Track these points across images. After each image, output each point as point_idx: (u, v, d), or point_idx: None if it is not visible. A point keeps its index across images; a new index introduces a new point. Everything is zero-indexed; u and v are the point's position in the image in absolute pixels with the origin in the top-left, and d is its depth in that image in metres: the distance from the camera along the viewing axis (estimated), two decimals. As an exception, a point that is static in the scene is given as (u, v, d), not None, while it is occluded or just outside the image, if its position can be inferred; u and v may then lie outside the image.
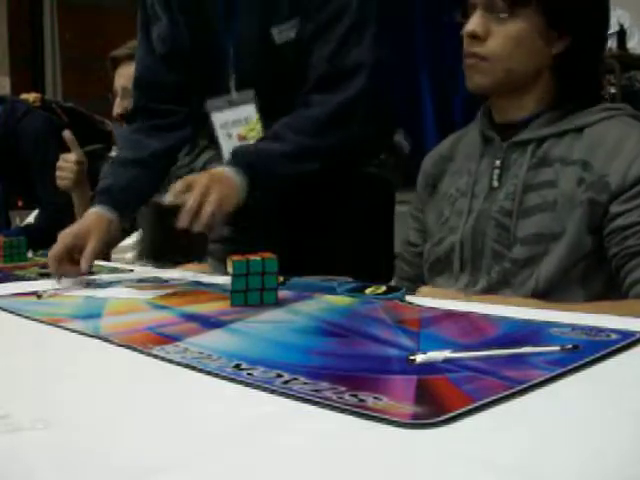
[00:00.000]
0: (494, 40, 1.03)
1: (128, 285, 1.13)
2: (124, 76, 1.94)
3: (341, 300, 0.91)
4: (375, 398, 0.51)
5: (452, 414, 0.47)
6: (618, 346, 0.62)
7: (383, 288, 0.93)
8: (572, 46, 1.04)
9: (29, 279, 1.30)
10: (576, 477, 0.39)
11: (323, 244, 1.33)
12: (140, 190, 1.41)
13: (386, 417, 0.47)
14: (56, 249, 1.21)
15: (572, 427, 0.46)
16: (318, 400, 0.51)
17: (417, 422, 0.46)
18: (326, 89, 1.27)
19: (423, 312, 0.82)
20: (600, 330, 0.67)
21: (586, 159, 1.01)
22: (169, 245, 1.59)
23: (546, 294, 1.00)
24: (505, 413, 0.48)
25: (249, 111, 1.35)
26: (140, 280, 1.17)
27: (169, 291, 1.05)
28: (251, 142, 1.31)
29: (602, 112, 1.05)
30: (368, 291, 0.92)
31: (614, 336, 0.65)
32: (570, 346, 0.61)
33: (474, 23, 1.03)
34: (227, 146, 1.35)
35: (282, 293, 0.96)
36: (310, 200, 1.35)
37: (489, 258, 1.06)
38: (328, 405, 0.50)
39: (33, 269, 1.43)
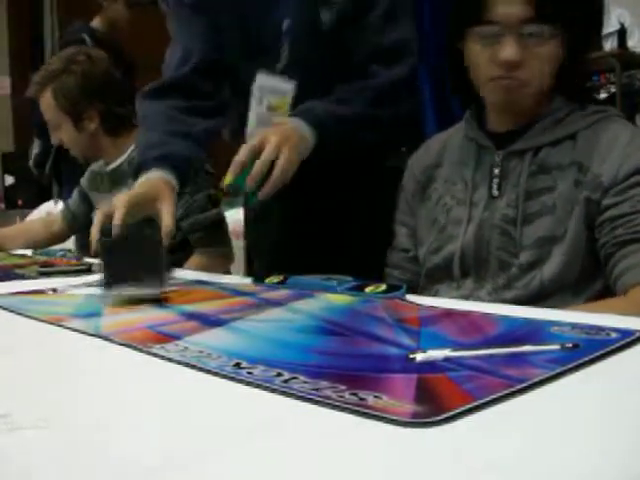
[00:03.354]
0: (532, 65, 1.02)
1: None
2: (43, 109, 1.91)
3: (341, 298, 0.91)
4: (375, 397, 0.51)
5: (452, 412, 0.47)
6: (618, 345, 0.61)
7: (383, 286, 0.93)
8: (568, 51, 1.05)
9: (29, 278, 1.31)
10: (576, 476, 0.39)
11: (343, 237, 1.32)
12: (194, 166, 1.33)
13: (386, 416, 0.47)
14: (121, 202, 1.08)
15: (572, 426, 0.46)
16: (318, 399, 0.51)
17: (417, 421, 0.46)
18: (381, 62, 1.26)
19: (423, 310, 0.82)
20: (600, 329, 0.67)
21: (581, 162, 1.03)
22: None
23: (547, 297, 1.01)
24: (505, 412, 0.48)
25: (288, 88, 1.30)
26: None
27: (169, 289, 1.05)
28: (284, 113, 1.26)
29: (592, 115, 1.07)
30: (368, 289, 0.92)
31: (614, 335, 0.65)
32: (570, 345, 0.61)
33: (512, 52, 1.00)
34: (254, 109, 1.30)
35: (282, 292, 0.96)
36: (331, 193, 1.34)
37: (495, 266, 1.07)
38: (328, 404, 0.50)
39: (33, 268, 1.43)
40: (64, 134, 1.89)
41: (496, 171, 1.09)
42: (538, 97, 1.07)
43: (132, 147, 1.87)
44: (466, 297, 1.08)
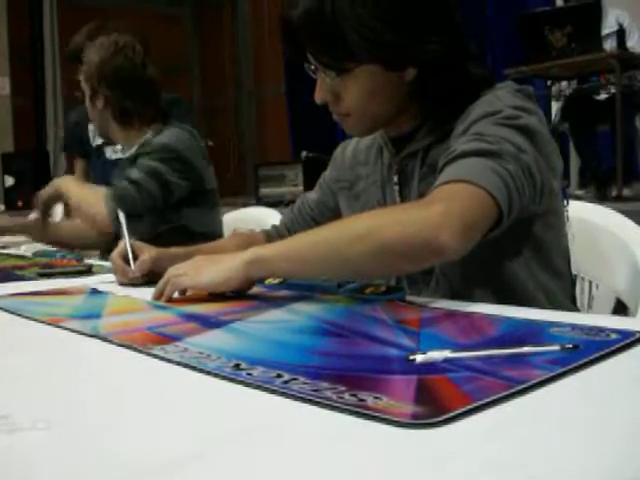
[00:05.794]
0: (347, 98, 1.03)
1: (128, 284, 1.13)
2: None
3: (341, 300, 0.91)
4: (375, 398, 0.51)
5: (452, 414, 0.47)
6: (618, 346, 0.62)
7: (383, 288, 0.93)
8: (421, 68, 1.02)
9: (29, 279, 1.31)
10: (576, 477, 0.39)
11: None
12: None
13: (386, 417, 0.47)
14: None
15: (572, 427, 0.46)
16: (318, 400, 0.51)
17: (417, 422, 0.46)
18: None
19: (423, 312, 0.82)
20: (600, 330, 0.67)
21: None
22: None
23: (460, 291, 1.01)
24: (505, 413, 0.48)
25: None
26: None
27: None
28: None
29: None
30: (368, 291, 0.92)
31: (614, 336, 0.65)
32: (570, 346, 0.61)
33: (319, 93, 1.05)
34: None
35: (282, 293, 0.96)
36: None
37: (418, 274, 1.07)
38: (328, 405, 0.50)
39: (33, 269, 1.43)
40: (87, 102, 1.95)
41: (395, 178, 1.11)
42: (396, 110, 1.06)
43: (138, 144, 1.87)
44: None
